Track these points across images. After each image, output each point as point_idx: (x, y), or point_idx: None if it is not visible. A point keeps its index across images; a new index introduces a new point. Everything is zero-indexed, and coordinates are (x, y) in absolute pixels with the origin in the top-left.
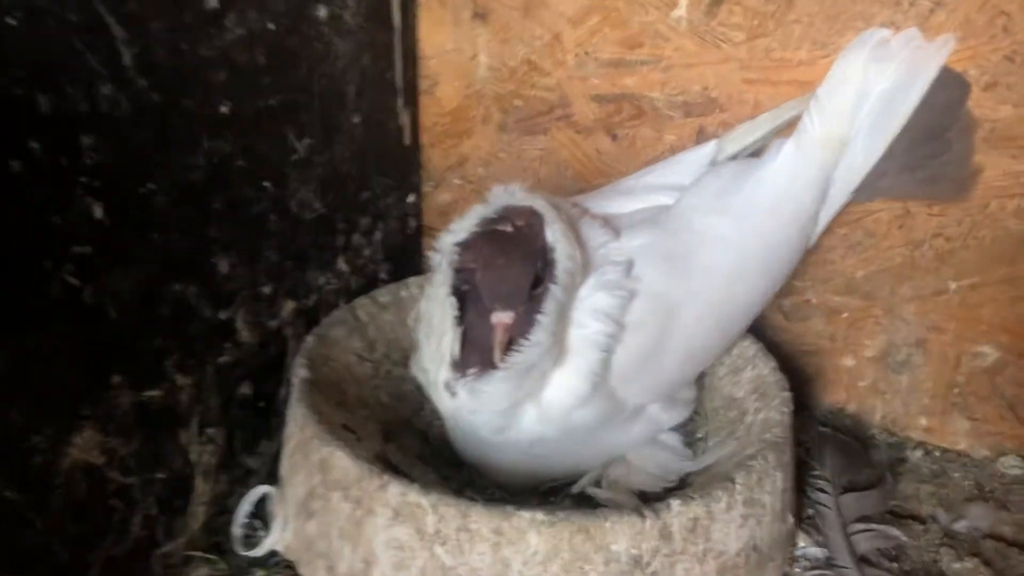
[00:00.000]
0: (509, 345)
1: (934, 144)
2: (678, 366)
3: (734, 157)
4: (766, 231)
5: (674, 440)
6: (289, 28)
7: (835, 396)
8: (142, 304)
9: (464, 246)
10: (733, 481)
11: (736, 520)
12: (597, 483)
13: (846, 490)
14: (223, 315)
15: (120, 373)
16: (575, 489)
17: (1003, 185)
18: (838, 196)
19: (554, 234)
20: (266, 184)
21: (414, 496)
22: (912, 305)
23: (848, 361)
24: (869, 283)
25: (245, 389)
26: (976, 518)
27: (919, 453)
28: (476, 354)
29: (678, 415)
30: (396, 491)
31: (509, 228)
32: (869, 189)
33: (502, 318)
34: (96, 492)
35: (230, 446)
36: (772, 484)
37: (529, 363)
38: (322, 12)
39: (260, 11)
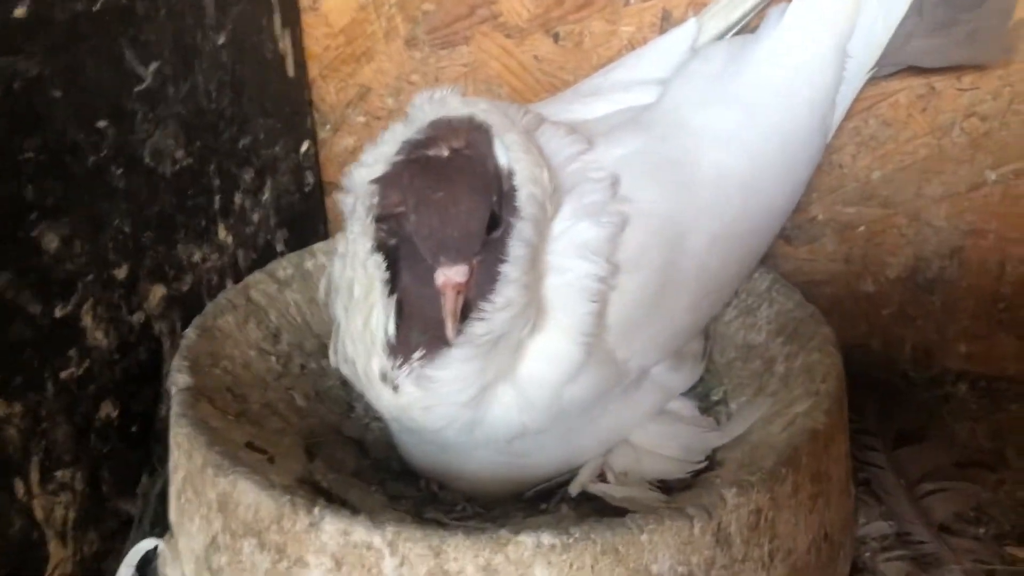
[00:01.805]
0: (466, 311)
1: None
2: (691, 309)
3: (720, 39)
4: (782, 121)
5: (689, 408)
6: None
7: (855, 330)
8: None
9: (385, 182)
10: (798, 451)
11: (804, 505)
12: (600, 478)
13: (898, 444)
14: (60, 311)
15: None
16: (573, 490)
17: None
18: (857, 71)
19: (509, 151)
20: (102, 124)
21: (362, 533)
22: (943, 206)
23: (868, 286)
24: (888, 186)
25: (107, 410)
26: None
27: (964, 386)
28: (420, 329)
29: (689, 375)
30: (335, 529)
31: (444, 152)
32: (895, 57)
33: (451, 275)
34: None
35: (95, 490)
36: (837, 449)
37: (497, 333)
38: None
39: None
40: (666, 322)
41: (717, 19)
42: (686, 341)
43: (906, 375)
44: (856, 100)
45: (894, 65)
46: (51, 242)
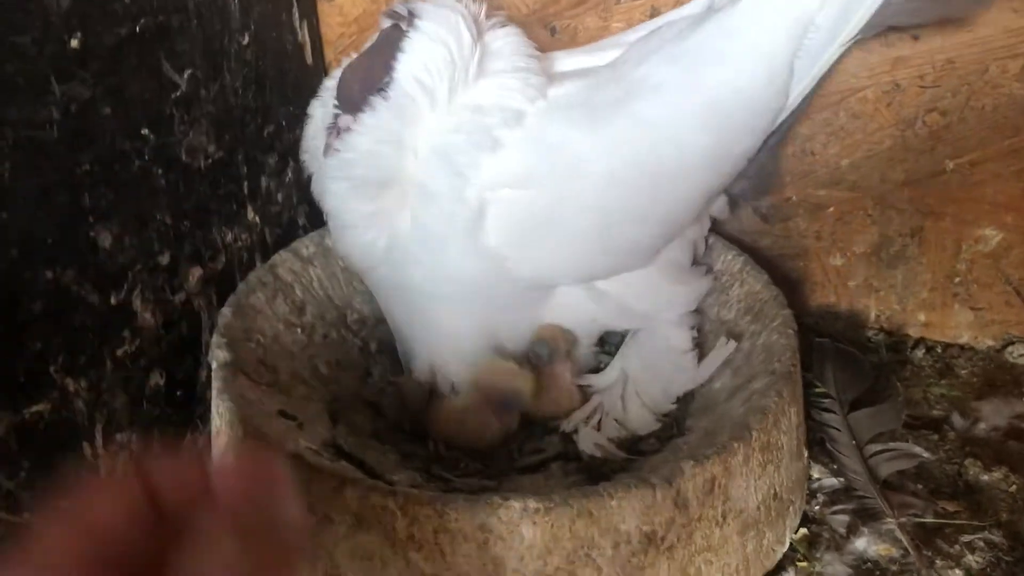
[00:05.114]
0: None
1: None
2: (593, 233)
3: None
4: (718, 80)
5: (686, 343)
6: None
7: (824, 299)
8: (5, 301)
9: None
10: (749, 428)
11: (754, 471)
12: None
13: (854, 407)
14: (114, 298)
15: None
16: (567, 427)
17: (1004, 45)
18: (826, 43)
19: (412, 49)
20: (144, 131)
21: (378, 498)
22: (905, 191)
23: (836, 260)
24: (856, 172)
25: (156, 379)
26: (994, 418)
27: (920, 351)
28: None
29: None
30: (355, 494)
31: (387, 27)
32: (874, 20)
33: (342, 119)
34: None
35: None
36: (788, 422)
37: (342, 165)
38: None
39: None
40: (566, 240)
41: None
42: (601, 271)
43: (869, 341)
44: (826, 95)
45: (874, 27)
46: (105, 240)
